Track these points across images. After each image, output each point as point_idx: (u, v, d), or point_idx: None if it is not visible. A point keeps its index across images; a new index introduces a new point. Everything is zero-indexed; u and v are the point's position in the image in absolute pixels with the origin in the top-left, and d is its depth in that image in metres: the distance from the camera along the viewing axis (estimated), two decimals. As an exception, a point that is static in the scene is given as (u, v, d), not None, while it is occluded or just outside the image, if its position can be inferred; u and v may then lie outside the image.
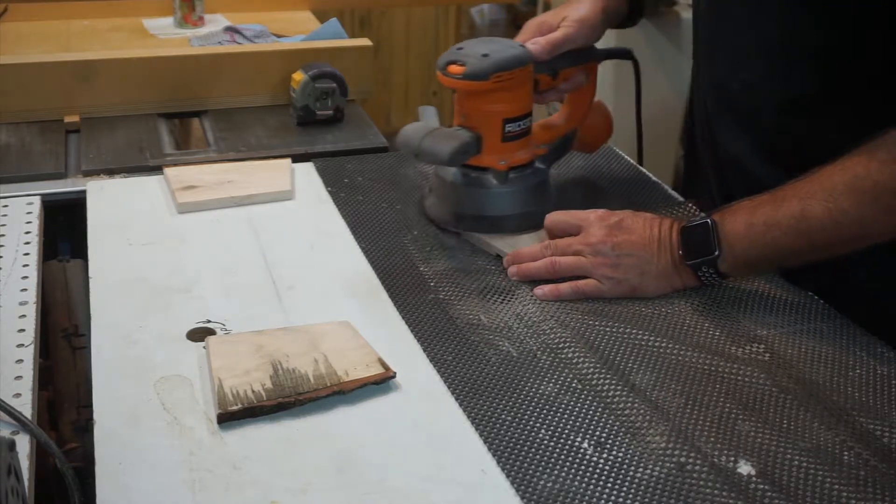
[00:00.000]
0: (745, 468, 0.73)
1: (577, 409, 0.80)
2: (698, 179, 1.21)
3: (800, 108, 0.99)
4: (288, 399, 0.78)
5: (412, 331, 0.90)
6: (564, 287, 0.97)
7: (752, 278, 0.99)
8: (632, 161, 1.31)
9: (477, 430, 0.77)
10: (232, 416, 0.77)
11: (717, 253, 0.92)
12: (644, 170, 1.29)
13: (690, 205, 1.16)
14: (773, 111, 1.02)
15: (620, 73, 1.49)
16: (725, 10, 1.05)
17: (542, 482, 0.71)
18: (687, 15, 2.33)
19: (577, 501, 0.70)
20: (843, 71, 0.96)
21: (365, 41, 1.55)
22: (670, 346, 0.89)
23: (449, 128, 1.06)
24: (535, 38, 1.08)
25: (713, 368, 0.85)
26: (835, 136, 0.89)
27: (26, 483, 0.67)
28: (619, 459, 0.74)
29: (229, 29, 1.83)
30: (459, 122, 1.06)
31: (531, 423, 0.78)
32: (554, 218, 1.03)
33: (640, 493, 0.70)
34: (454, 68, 1.01)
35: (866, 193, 0.85)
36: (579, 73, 1.14)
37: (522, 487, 0.71)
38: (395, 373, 0.82)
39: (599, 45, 1.18)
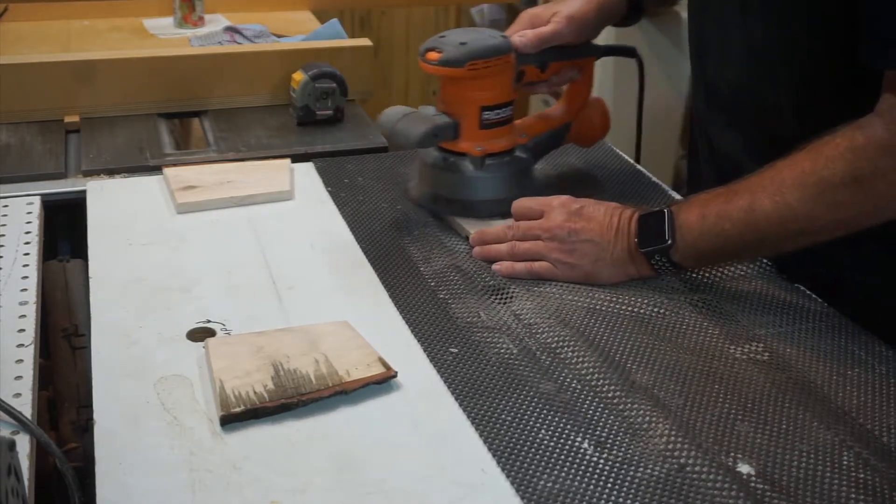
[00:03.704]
0: (744, 468, 0.73)
1: (577, 408, 0.80)
2: (700, 178, 1.21)
3: (783, 109, 1.00)
4: (291, 400, 0.78)
5: (412, 330, 0.90)
6: (520, 266, 1.00)
7: (750, 277, 1.00)
8: (631, 160, 1.31)
9: (477, 430, 0.77)
10: (235, 417, 0.76)
11: (669, 242, 0.93)
12: (643, 169, 1.29)
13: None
14: (757, 112, 1.03)
15: (621, 71, 1.49)
16: (713, 9, 1.06)
17: (541, 482, 0.71)
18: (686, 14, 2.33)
19: (577, 501, 0.70)
20: (818, 74, 0.96)
21: (365, 41, 1.55)
22: (670, 345, 0.89)
23: (429, 113, 1.10)
24: (523, 31, 1.10)
25: (712, 368, 0.85)
26: (818, 136, 0.89)
27: (26, 483, 0.67)
28: (619, 459, 0.74)
29: (229, 29, 1.83)
30: (441, 108, 1.09)
31: (531, 422, 0.78)
32: (520, 203, 1.06)
33: (640, 492, 0.70)
34: (432, 55, 1.05)
35: (811, 188, 0.86)
36: (570, 68, 1.16)
37: (522, 487, 0.71)
38: (396, 372, 0.82)
39: (602, 41, 1.18)
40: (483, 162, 1.10)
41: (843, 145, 0.85)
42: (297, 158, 1.28)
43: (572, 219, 0.99)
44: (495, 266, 1.01)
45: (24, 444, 0.73)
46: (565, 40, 1.11)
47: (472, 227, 1.07)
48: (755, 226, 0.89)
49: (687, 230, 0.93)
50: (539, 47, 1.09)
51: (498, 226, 1.05)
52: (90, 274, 0.99)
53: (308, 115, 1.41)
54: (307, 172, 1.25)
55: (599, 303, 0.95)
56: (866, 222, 0.87)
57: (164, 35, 1.85)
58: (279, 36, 1.81)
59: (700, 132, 1.17)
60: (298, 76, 1.40)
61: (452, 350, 0.87)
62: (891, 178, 0.84)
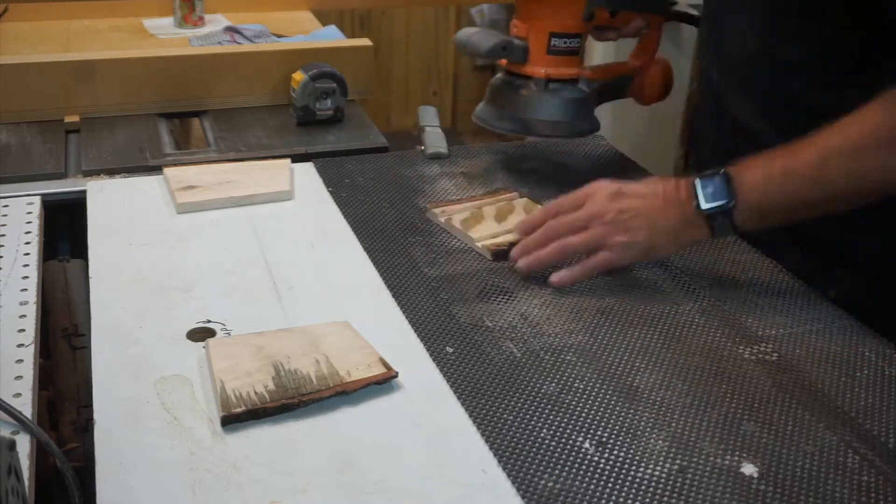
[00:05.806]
0: (748, 469, 0.73)
1: (579, 408, 0.79)
2: (700, 161, 1.21)
3: (804, 67, 0.99)
4: (291, 400, 0.78)
5: (415, 331, 0.90)
6: (578, 269, 0.97)
7: (760, 279, 1.00)
8: (632, 159, 1.31)
9: (478, 430, 0.77)
10: (236, 418, 0.76)
11: (732, 203, 0.91)
12: (643, 168, 1.29)
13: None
14: (776, 74, 1.02)
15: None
16: None
17: (543, 482, 0.71)
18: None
19: (578, 501, 0.69)
20: (840, 28, 0.95)
21: (365, 41, 1.55)
22: (677, 345, 0.88)
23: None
24: None
25: (719, 369, 0.85)
26: (835, 99, 0.88)
27: (26, 483, 0.67)
28: (622, 459, 0.74)
29: (229, 29, 1.83)
30: (514, 32, 1.17)
31: (533, 423, 0.78)
32: (553, 202, 1.01)
33: (642, 493, 0.70)
34: None
35: (887, 141, 0.85)
36: (640, 20, 1.21)
37: (524, 487, 0.71)
38: (397, 372, 0.82)
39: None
40: (547, 85, 1.16)
41: None
42: (297, 158, 1.28)
43: (616, 199, 0.96)
44: (553, 279, 0.97)
45: (24, 444, 0.73)
46: None
47: (482, 240, 1.05)
48: (827, 182, 0.87)
49: (750, 189, 0.90)
50: None
51: (536, 233, 1.00)
52: (90, 274, 0.99)
53: (308, 115, 1.41)
54: (307, 172, 1.25)
55: (607, 304, 0.95)
56: None
57: (164, 35, 1.85)
58: (279, 36, 1.81)
59: (708, 106, 1.17)
60: (298, 76, 1.40)
61: (448, 349, 0.87)
62: None
